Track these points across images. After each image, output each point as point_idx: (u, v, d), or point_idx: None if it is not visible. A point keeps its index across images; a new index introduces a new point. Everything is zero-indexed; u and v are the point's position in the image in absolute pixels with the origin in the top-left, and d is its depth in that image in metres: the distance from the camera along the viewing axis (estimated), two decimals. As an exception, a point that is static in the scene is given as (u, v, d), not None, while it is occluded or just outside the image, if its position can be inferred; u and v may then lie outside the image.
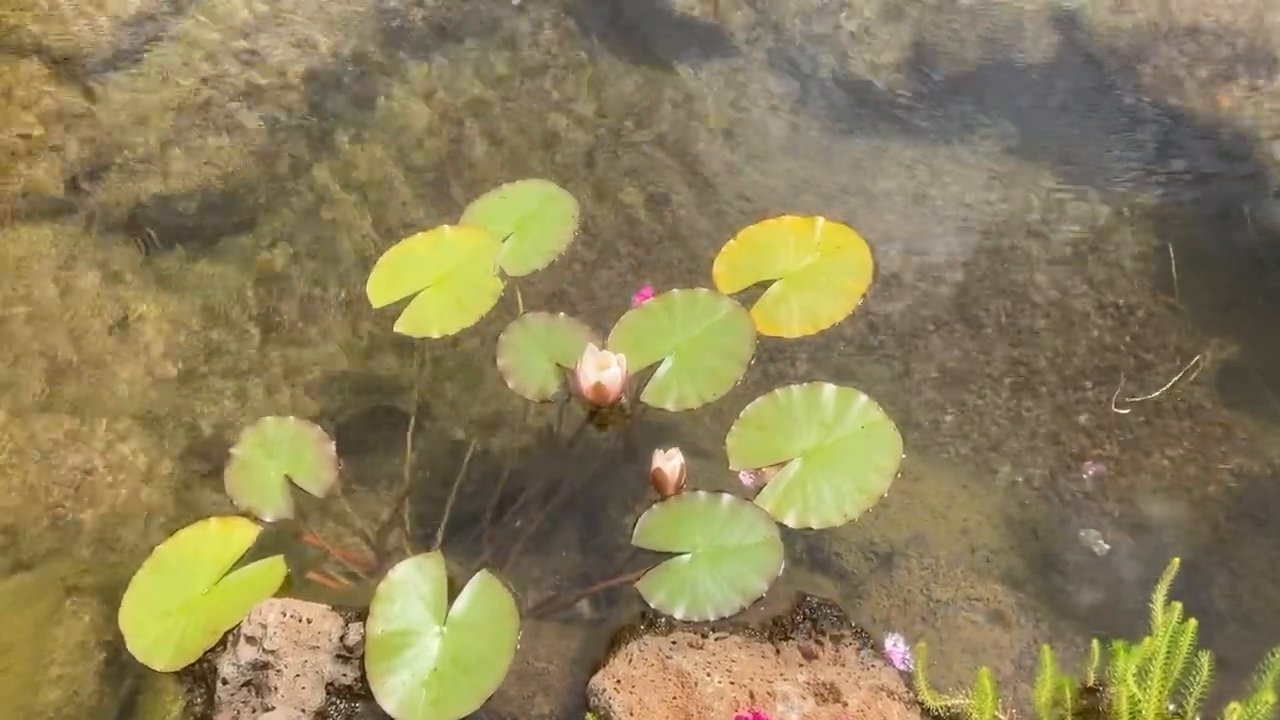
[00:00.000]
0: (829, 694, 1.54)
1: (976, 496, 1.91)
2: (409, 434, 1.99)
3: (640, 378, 1.96)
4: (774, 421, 1.88)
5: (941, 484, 1.92)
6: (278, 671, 1.64)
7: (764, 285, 2.07)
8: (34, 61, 2.65)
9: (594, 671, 1.61)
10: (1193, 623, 1.43)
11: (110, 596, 1.84)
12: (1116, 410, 1.96)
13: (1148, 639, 1.46)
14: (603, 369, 1.87)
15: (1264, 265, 2.18)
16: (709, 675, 1.55)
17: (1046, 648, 1.48)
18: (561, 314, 2.06)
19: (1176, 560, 1.51)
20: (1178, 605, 1.44)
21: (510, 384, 1.98)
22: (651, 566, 1.74)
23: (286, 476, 1.93)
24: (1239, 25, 2.51)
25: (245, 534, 1.86)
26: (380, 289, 2.14)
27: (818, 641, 1.64)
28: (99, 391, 2.15)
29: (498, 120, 2.62)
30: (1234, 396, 2.00)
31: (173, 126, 2.55)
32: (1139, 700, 1.43)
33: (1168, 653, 1.44)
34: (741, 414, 1.89)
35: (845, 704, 1.52)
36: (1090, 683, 1.57)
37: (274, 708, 1.62)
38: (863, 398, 1.88)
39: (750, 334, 1.98)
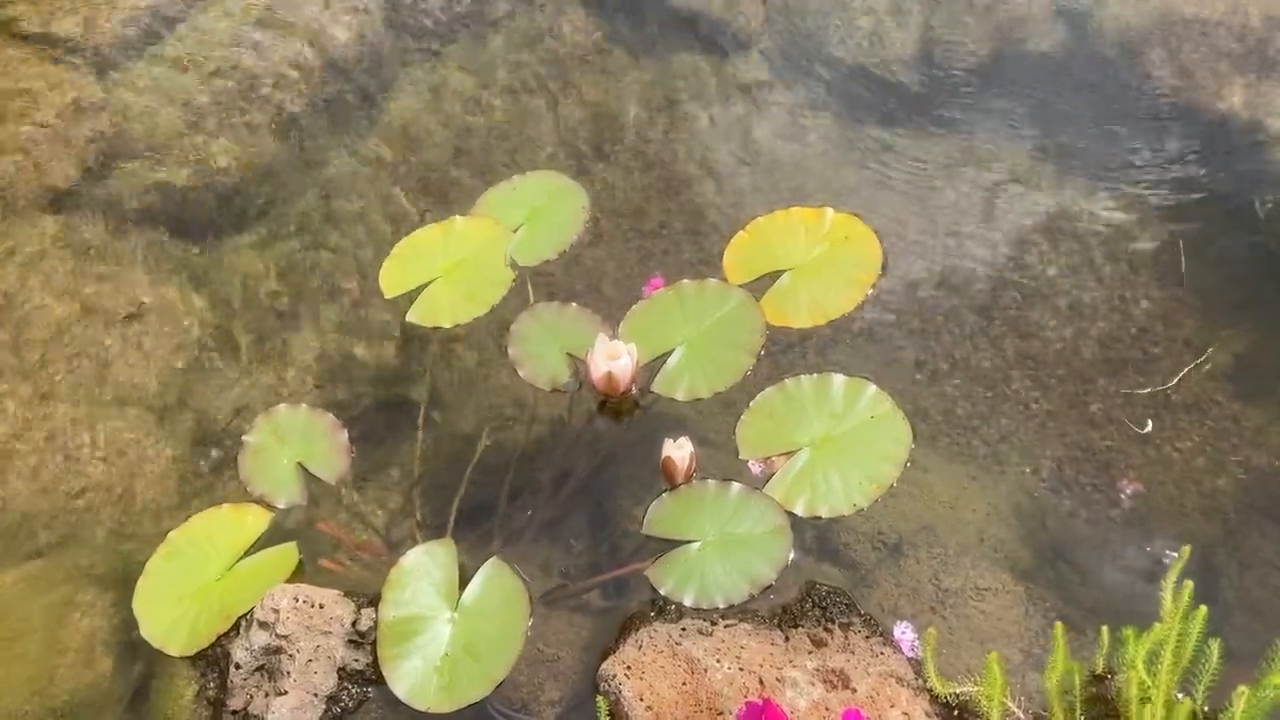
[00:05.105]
0: (838, 681, 1.55)
1: (985, 487, 1.92)
2: (420, 423, 2.01)
3: (650, 368, 1.97)
4: (784, 411, 1.89)
5: (950, 475, 1.93)
6: (290, 656, 1.65)
7: (773, 276, 2.08)
8: (48, 53, 2.66)
9: (604, 658, 1.62)
10: (1203, 609, 1.44)
11: (124, 583, 1.85)
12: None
13: (1157, 625, 1.46)
14: (613, 359, 1.88)
15: (1274, 258, 2.18)
16: (718, 662, 1.56)
17: (1060, 625, 1.48)
18: (572, 304, 2.07)
19: (1187, 548, 1.52)
20: (1189, 584, 1.44)
21: (521, 374, 1.99)
22: (661, 554, 1.75)
23: (299, 464, 1.94)
24: (1249, 18, 2.51)
25: (258, 520, 1.88)
26: (392, 279, 2.16)
27: (826, 629, 1.65)
28: (112, 380, 2.16)
29: (509, 112, 2.63)
30: (1243, 389, 2.00)
31: (186, 117, 2.56)
32: (1148, 686, 1.44)
33: (1177, 639, 1.45)
34: (751, 403, 1.91)
35: (854, 691, 1.53)
36: (1099, 670, 1.58)
37: (286, 692, 1.63)
38: (872, 388, 1.89)
39: (760, 324, 1.99)
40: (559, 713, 1.64)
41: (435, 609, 1.71)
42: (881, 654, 1.61)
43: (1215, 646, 1.41)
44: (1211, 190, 2.30)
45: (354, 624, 1.71)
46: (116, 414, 2.11)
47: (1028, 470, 1.93)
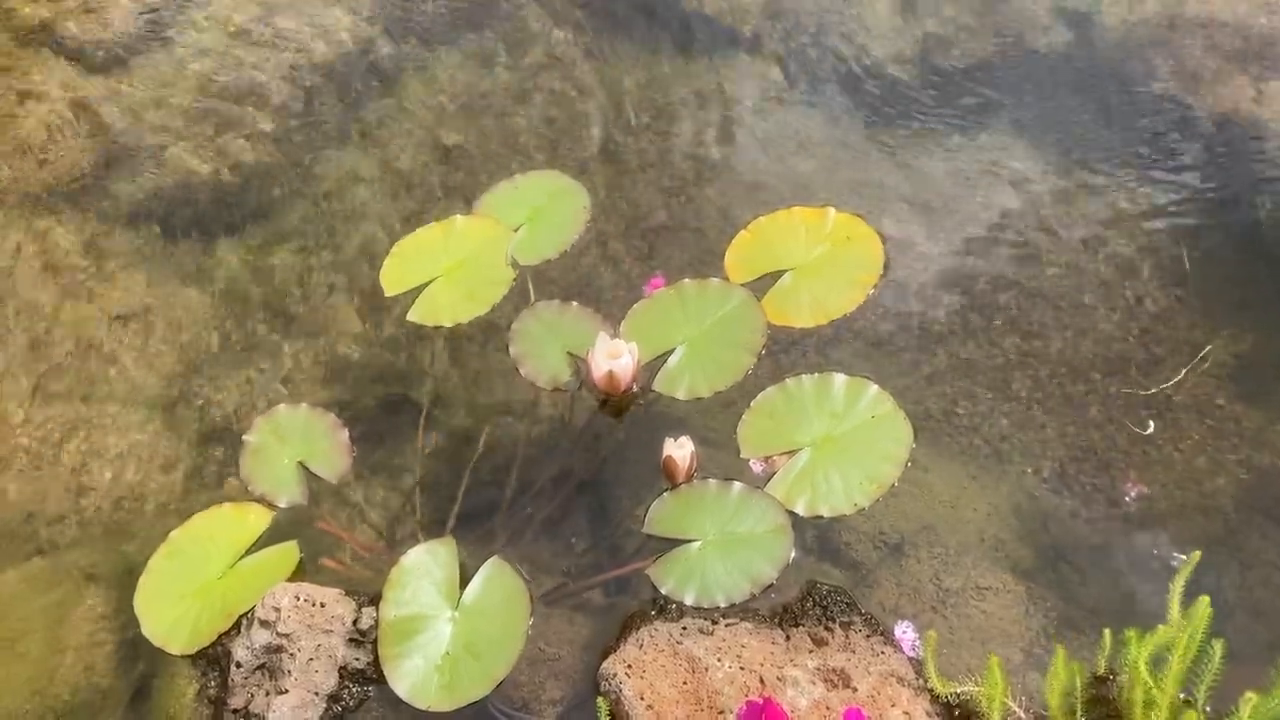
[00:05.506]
0: (839, 680, 1.55)
1: (986, 487, 1.91)
2: (421, 422, 2.01)
3: (651, 367, 1.97)
4: (785, 410, 1.89)
5: (951, 474, 1.93)
6: (291, 655, 1.66)
7: (775, 276, 2.08)
8: (49, 53, 2.67)
9: (605, 657, 1.62)
10: (1206, 612, 1.43)
11: (125, 582, 1.85)
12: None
13: (1161, 627, 1.46)
14: (614, 358, 1.88)
15: (1275, 259, 2.18)
16: (719, 660, 1.56)
17: (1060, 648, 1.47)
18: (574, 303, 2.08)
19: (1197, 554, 1.52)
20: (1205, 599, 1.43)
21: (522, 372, 1.99)
22: (662, 554, 1.75)
23: (300, 463, 1.94)
24: (1253, 19, 2.51)
25: (259, 519, 1.88)
26: (393, 278, 2.16)
27: (827, 628, 1.65)
28: (113, 379, 2.16)
29: (510, 111, 2.63)
30: (1245, 389, 2.00)
31: (187, 118, 2.56)
32: (1152, 690, 1.43)
33: (1184, 648, 1.44)
34: (752, 403, 1.91)
35: (855, 690, 1.53)
36: (1100, 671, 1.58)
37: (287, 690, 1.63)
38: (873, 387, 1.89)
39: (761, 324, 1.99)
40: (560, 712, 1.64)
41: (436, 608, 1.71)
42: (882, 653, 1.61)
43: (1219, 647, 1.41)
44: (1213, 190, 2.29)
45: (355, 623, 1.71)
46: (117, 413, 2.11)
47: (1029, 470, 1.93)
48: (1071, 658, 1.50)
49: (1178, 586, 1.50)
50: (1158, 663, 1.46)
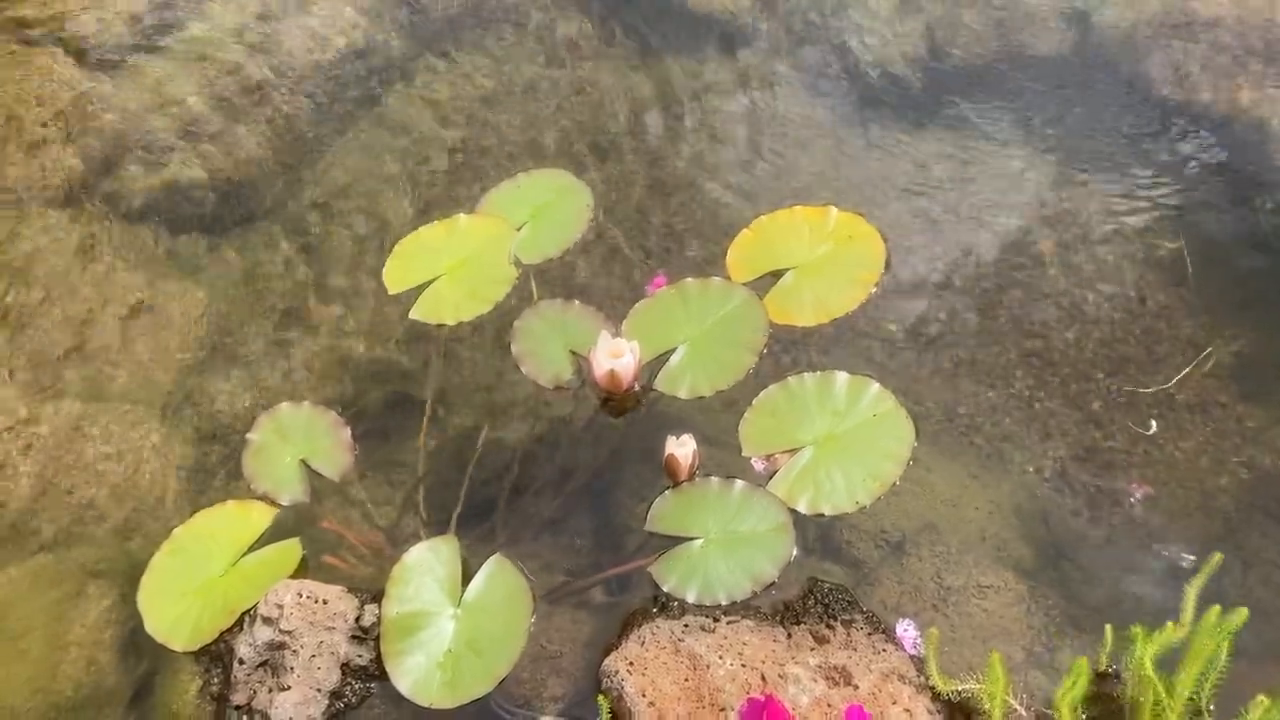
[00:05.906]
0: (840, 677, 1.55)
1: (988, 486, 1.92)
2: (424, 420, 2.01)
3: (653, 365, 1.98)
4: (786, 409, 1.89)
5: (952, 473, 1.93)
6: (294, 652, 1.66)
7: (777, 274, 2.08)
8: (52, 51, 2.67)
9: (606, 654, 1.62)
10: (1215, 610, 1.43)
11: (128, 579, 1.86)
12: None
13: (1170, 625, 1.46)
14: (616, 356, 1.88)
15: (1277, 258, 2.18)
16: (721, 658, 1.57)
17: (1084, 660, 1.46)
18: (576, 301, 2.08)
19: (1219, 555, 1.52)
20: (1245, 611, 1.43)
21: (524, 370, 2.00)
22: (664, 551, 1.75)
23: (302, 461, 1.95)
24: (1256, 18, 2.51)
25: (262, 517, 1.89)
26: (396, 276, 2.17)
27: (829, 626, 1.65)
28: (117, 378, 2.16)
29: (513, 110, 2.63)
30: (1246, 389, 2.00)
31: (189, 115, 2.57)
32: (1161, 694, 1.43)
33: (1198, 644, 1.43)
34: (754, 401, 1.91)
35: (856, 687, 1.53)
36: (1102, 668, 1.58)
37: (290, 687, 1.63)
38: (875, 386, 1.89)
39: (763, 323, 1.99)
40: (561, 709, 1.65)
41: (438, 605, 1.71)
42: (884, 651, 1.61)
43: (1225, 647, 1.41)
44: (1215, 189, 2.30)
45: (357, 620, 1.71)
46: (121, 410, 2.11)
47: (1030, 469, 1.93)
48: (1072, 654, 1.50)
49: (1194, 589, 1.50)
50: (1164, 662, 1.46)
